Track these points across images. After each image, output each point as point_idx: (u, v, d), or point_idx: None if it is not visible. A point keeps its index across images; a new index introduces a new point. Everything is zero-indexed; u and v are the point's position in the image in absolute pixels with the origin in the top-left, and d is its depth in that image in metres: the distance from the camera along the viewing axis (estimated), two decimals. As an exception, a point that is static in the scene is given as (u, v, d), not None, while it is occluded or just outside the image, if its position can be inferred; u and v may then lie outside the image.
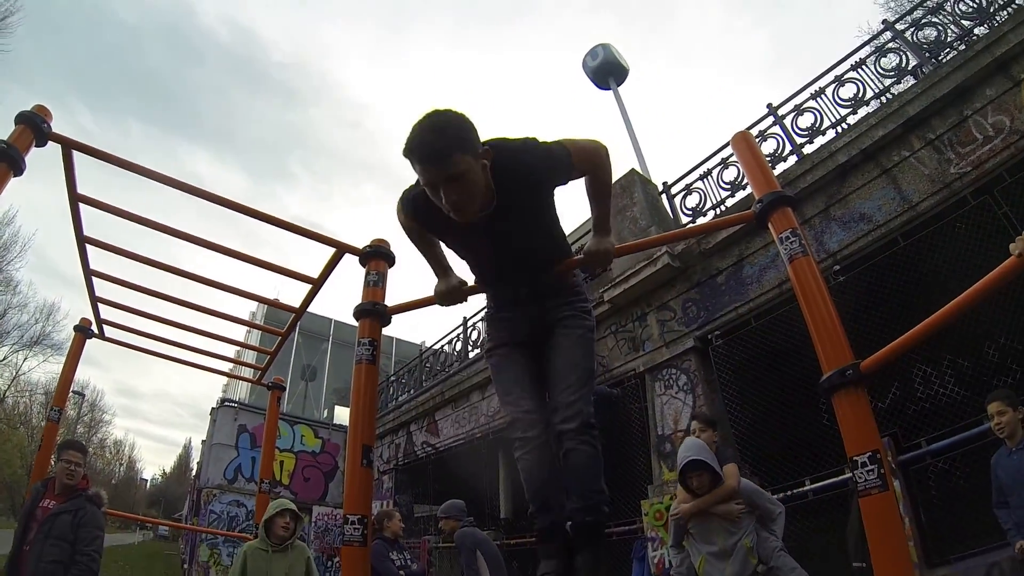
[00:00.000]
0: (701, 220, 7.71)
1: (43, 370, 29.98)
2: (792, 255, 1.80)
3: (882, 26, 6.88)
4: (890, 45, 6.54)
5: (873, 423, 1.63)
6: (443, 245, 2.24)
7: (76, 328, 4.46)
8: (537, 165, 1.88)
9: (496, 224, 1.94)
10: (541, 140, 1.92)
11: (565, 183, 2.01)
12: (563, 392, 2.05)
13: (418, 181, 1.83)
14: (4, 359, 26.71)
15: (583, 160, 1.96)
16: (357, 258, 2.45)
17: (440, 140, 1.66)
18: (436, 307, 2.26)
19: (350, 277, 2.48)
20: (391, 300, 2.37)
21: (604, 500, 2.02)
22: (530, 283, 2.18)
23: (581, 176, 2.02)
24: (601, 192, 2.11)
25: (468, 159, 1.70)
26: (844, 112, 6.58)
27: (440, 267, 2.27)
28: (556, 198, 2.12)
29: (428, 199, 1.84)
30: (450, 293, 2.21)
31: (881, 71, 6.47)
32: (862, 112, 6.47)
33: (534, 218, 2.04)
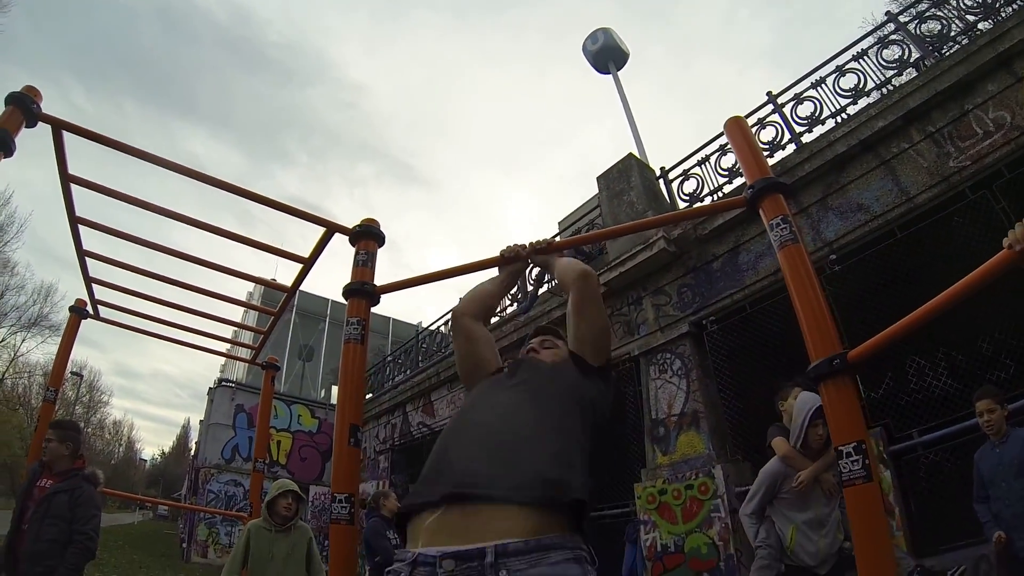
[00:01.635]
0: (698, 206, 7.69)
1: (42, 351, 29.88)
2: (782, 242, 1.79)
3: (885, 18, 6.84)
4: (893, 37, 6.48)
5: (860, 413, 1.63)
6: None
7: (71, 309, 4.46)
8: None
9: None
10: None
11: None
12: None
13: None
14: (3, 341, 26.64)
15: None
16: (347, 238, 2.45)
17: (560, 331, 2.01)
18: (431, 287, 2.29)
19: (348, 258, 2.47)
20: (385, 280, 2.37)
21: None
22: None
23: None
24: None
25: (564, 348, 1.91)
26: (844, 102, 6.54)
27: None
28: None
29: None
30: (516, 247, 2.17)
31: (883, 62, 6.42)
32: (862, 103, 6.44)
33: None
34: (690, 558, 6.26)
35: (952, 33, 6.15)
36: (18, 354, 28.55)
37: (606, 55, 14.21)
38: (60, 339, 4.57)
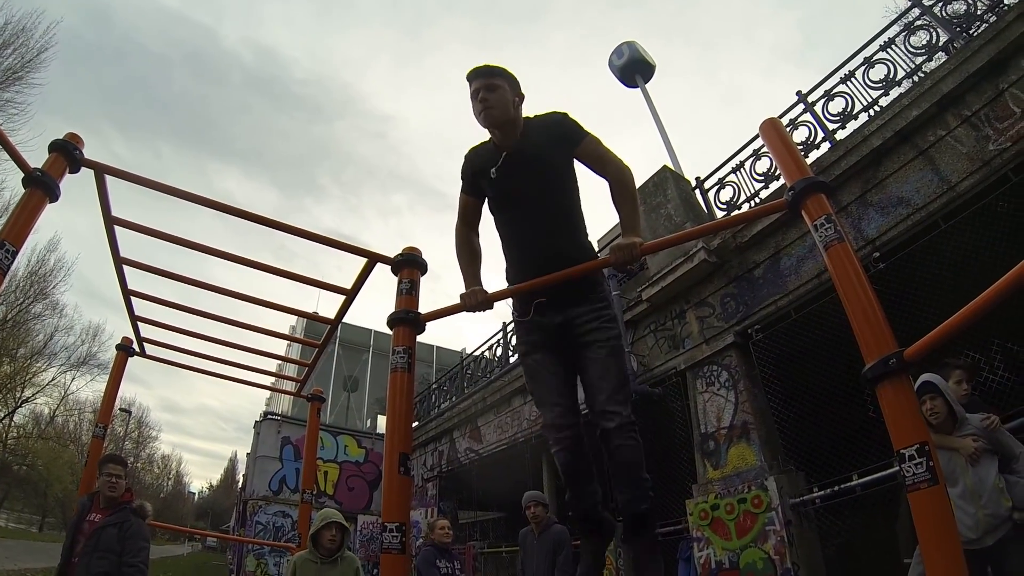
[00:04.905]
0: (738, 213, 7.58)
1: (91, 389, 31.01)
2: (828, 242, 1.74)
3: (909, 3, 6.70)
4: (919, 22, 6.33)
5: (920, 413, 1.57)
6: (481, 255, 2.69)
7: (118, 347, 4.54)
8: (556, 123, 2.46)
9: (521, 177, 2.42)
10: (572, 117, 2.48)
11: (571, 153, 2.46)
12: (601, 402, 2.32)
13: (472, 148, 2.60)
14: (53, 380, 27.70)
15: (593, 148, 2.45)
16: (389, 267, 2.46)
17: (492, 67, 2.43)
18: (476, 314, 2.40)
19: (388, 288, 2.48)
20: (426, 308, 2.37)
21: (649, 487, 2.34)
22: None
23: (587, 159, 2.46)
24: (623, 196, 2.42)
25: (505, 85, 2.42)
26: (876, 94, 6.40)
27: (470, 276, 2.56)
28: (580, 195, 2.56)
29: (476, 151, 2.56)
30: (472, 295, 2.39)
31: (911, 49, 6.27)
32: (894, 93, 6.28)
33: (553, 182, 2.44)
34: (745, 574, 6.08)
35: (979, 11, 5.98)
36: (68, 392, 29.67)
37: (632, 68, 14.09)
38: (108, 377, 4.67)
